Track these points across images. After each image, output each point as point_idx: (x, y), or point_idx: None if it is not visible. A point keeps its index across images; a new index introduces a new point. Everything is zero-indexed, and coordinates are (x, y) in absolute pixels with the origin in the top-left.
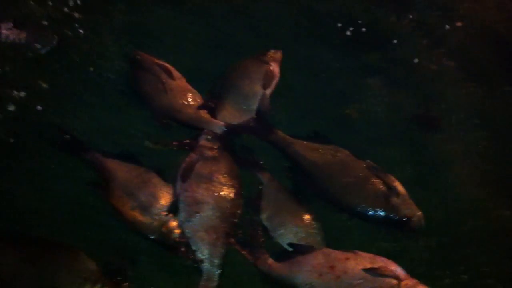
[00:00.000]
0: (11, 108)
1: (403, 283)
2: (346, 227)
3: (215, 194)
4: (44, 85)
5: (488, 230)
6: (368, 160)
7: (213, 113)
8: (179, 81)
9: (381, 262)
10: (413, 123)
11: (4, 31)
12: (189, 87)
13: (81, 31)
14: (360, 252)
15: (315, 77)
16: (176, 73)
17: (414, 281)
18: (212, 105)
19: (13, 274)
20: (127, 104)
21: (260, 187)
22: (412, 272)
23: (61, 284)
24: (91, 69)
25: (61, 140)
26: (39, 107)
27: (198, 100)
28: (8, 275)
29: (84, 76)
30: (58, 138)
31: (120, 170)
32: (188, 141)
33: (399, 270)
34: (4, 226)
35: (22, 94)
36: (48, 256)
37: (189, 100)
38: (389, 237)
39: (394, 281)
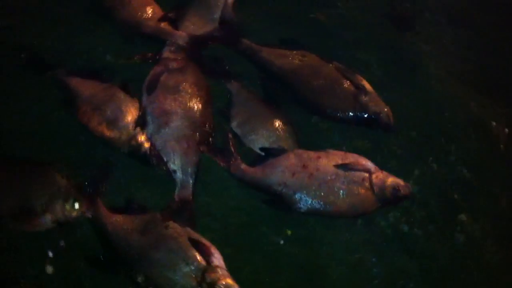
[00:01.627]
0: None
1: (373, 175)
2: (319, 130)
3: (183, 103)
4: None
5: (461, 124)
6: (335, 62)
7: (175, 24)
8: None
9: (352, 158)
10: (387, 24)
11: None
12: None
13: None
14: (331, 151)
15: None
16: None
17: (385, 173)
18: (173, 16)
19: None
20: (92, 20)
21: (229, 97)
22: (383, 166)
23: (31, 201)
24: None
25: (27, 60)
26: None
27: (159, 12)
28: None
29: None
30: (24, 57)
31: (85, 86)
32: (151, 54)
33: (369, 164)
34: None
35: None
36: (17, 174)
37: (150, 12)
38: (362, 136)
39: (365, 174)
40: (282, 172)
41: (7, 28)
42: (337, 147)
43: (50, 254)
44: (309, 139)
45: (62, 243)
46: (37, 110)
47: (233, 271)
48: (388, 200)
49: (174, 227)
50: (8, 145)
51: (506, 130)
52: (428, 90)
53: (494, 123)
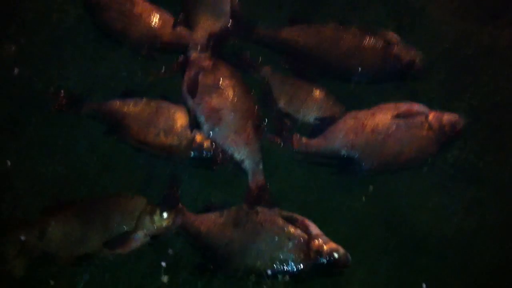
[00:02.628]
0: None
1: (430, 116)
2: (357, 95)
3: (229, 97)
4: (13, 48)
5: (482, 52)
6: (354, 25)
7: (189, 27)
8: (143, 4)
9: (405, 105)
10: None
11: None
12: (156, 8)
13: None
14: (381, 105)
15: None
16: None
17: (439, 112)
18: (184, 20)
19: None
20: (106, 47)
21: (266, 81)
22: (432, 107)
23: (120, 229)
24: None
25: (58, 102)
26: (16, 71)
27: (169, 19)
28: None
29: (48, 34)
30: (51, 100)
31: (127, 106)
32: (176, 63)
33: (422, 107)
34: (43, 200)
35: None
36: (96, 210)
37: (162, 22)
38: (397, 90)
39: (422, 118)
40: (345, 135)
41: (27, 77)
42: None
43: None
44: (349, 107)
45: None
46: (86, 146)
47: None
48: (448, 136)
49: (264, 211)
50: (71, 189)
51: None
52: (438, 32)
53: None
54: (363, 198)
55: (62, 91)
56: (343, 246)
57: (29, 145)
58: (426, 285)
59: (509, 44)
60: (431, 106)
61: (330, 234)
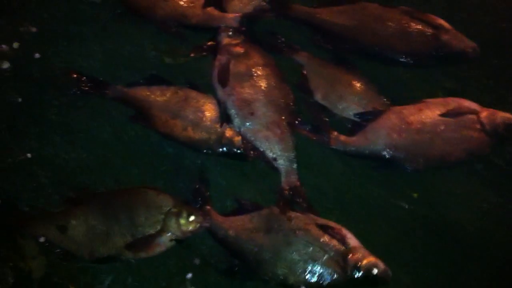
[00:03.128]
0: (6, 65)
1: (481, 115)
2: (402, 80)
3: (262, 88)
4: (33, 29)
5: None
6: (401, 6)
7: (221, 7)
8: None
9: (453, 102)
10: None
11: None
12: None
13: None
14: (429, 100)
15: None
16: None
17: (491, 110)
18: (217, 0)
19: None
20: (129, 27)
21: (302, 70)
22: (481, 101)
23: (144, 230)
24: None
25: (78, 85)
26: (37, 55)
27: None
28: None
29: (71, 10)
30: (74, 83)
31: (154, 95)
32: (206, 45)
33: (473, 105)
34: (65, 189)
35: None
36: (121, 205)
37: (192, 0)
38: (445, 75)
39: (473, 116)
40: (387, 134)
41: (48, 57)
42: (428, 94)
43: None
44: (395, 94)
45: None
46: (110, 132)
47: (366, 246)
48: (502, 136)
49: (297, 217)
50: (95, 178)
51: None
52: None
53: None
54: (415, 196)
55: (85, 74)
56: (383, 250)
57: (51, 130)
58: None
59: None
60: (482, 95)
61: (367, 236)
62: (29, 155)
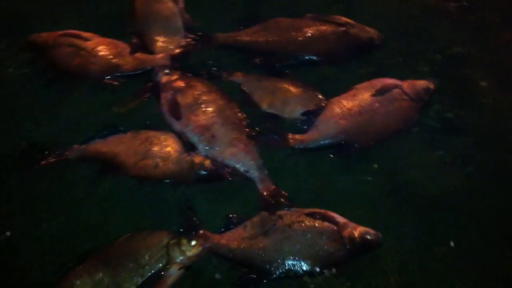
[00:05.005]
0: None
1: (403, 87)
2: (330, 76)
3: (214, 112)
4: None
5: (430, 17)
6: (308, 14)
7: (148, 50)
8: (95, 38)
9: (379, 82)
10: None
11: None
12: (108, 39)
13: None
14: (357, 86)
15: None
16: (86, 33)
17: (409, 81)
18: (139, 44)
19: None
20: (63, 90)
21: (242, 87)
22: (399, 77)
23: (152, 268)
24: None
25: (34, 154)
26: None
27: (125, 47)
28: None
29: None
30: (29, 154)
31: (115, 144)
32: (145, 88)
33: (394, 80)
34: (55, 258)
35: None
36: (121, 253)
37: (119, 50)
38: (362, 65)
39: (398, 90)
40: (335, 122)
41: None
42: (355, 82)
43: None
44: (328, 89)
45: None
46: (82, 191)
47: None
48: (424, 101)
49: (286, 214)
50: (81, 239)
51: None
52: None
53: None
54: (371, 173)
55: (38, 144)
56: (364, 221)
57: (23, 207)
58: (453, 243)
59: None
60: (399, 71)
61: (349, 213)
62: (8, 233)
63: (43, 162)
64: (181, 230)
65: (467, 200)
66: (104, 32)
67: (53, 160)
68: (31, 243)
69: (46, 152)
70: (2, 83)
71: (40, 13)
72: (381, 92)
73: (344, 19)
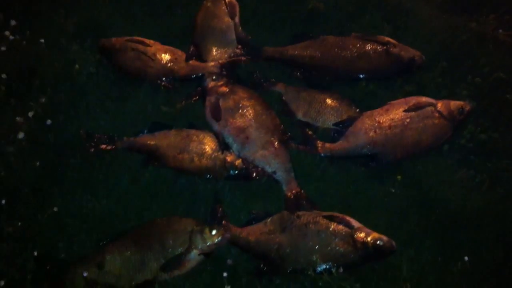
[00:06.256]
0: (21, 135)
1: (438, 106)
2: (367, 92)
3: (251, 116)
4: (43, 99)
5: (476, 42)
6: (353, 33)
7: (202, 59)
8: (156, 45)
9: (413, 99)
10: None
11: None
12: (167, 47)
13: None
14: (392, 102)
15: None
16: (149, 41)
17: (445, 101)
18: (195, 52)
19: (124, 265)
20: (126, 87)
21: (282, 97)
22: (436, 97)
23: (174, 251)
24: (77, 67)
25: (90, 144)
26: (48, 121)
27: (181, 54)
28: (120, 269)
29: (72, 83)
30: (86, 143)
31: (158, 138)
32: (195, 92)
33: (429, 99)
34: (96, 234)
35: (30, 114)
36: (149, 236)
37: (175, 57)
38: (404, 83)
39: (431, 108)
40: (365, 134)
41: (60, 124)
42: (390, 99)
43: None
44: (364, 103)
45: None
46: (127, 179)
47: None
48: (458, 121)
49: (305, 214)
50: (120, 221)
51: None
52: (431, 27)
53: None
54: (395, 185)
55: (95, 134)
56: (387, 232)
57: (73, 188)
58: (467, 258)
59: (496, 27)
60: (439, 93)
61: (372, 223)
62: (55, 208)
63: (95, 150)
64: (207, 220)
65: (491, 221)
66: (166, 42)
67: (105, 148)
68: (75, 219)
69: (101, 142)
70: (70, 80)
71: (111, 23)
72: (414, 108)
73: (387, 39)
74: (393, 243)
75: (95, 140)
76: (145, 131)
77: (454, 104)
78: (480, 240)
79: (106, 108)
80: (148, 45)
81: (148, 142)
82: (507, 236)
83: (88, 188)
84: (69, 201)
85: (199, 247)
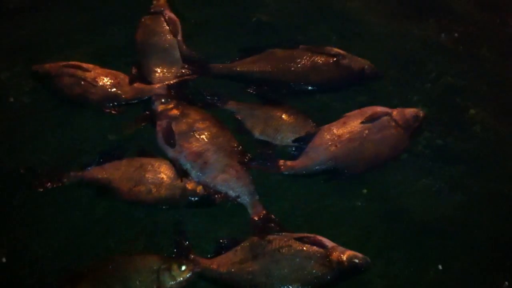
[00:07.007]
0: None
1: (393, 114)
2: (321, 105)
3: (207, 139)
4: None
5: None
6: (301, 45)
7: (146, 80)
8: (95, 69)
9: (368, 110)
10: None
11: None
12: (108, 70)
13: None
14: (348, 114)
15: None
16: (87, 65)
17: (398, 109)
18: (138, 74)
19: None
20: (66, 113)
21: (236, 115)
22: (390, 105)
23: None
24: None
25: (35, 181)
26: None
27: (124, 77)
28: None
29: (8, 114)
30: (31, 179)
31: (110, 171)
32: (143, 115)
33: (384, 108)
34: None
35: None
36: (112, 276)
37: (118, 81)
38: (358, 94)
39: (387, 117)
40: (325, 149)
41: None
42: (346, 111)
43: None
44: (318, 117)
45: None
46: (79, 214)
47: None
48: (413, 128)
49: (275, 238)
50: (77, 260)
51: None
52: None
53: None
54: (360, 199)
55: (37, 169)
56: (356, 247)
57: (21, 227)
58: (441, 266)
59: (438, 31)
60: (391, 100)
61: (340, 239)
62: (3, 259)
63: (39, 187)
64: (173, 254)
65: (457, 227)
66: (105, 62)
67: (49, 185)
68: (24, 265)
69: (43, 177)
70: (5, 110)
71: (44, 44)
72: (371, 119)
73: (336, 49)
74: (368, 259)
75: (38, 176)
76: (93, 163)
77: (409, 111)
78: (448, 247)
79: (48, 138)
80: (87, 70)
81: (98, 175)
82: (475, 242)
83: (37, 226)
84: (16, 243)
85: (169, 285)
